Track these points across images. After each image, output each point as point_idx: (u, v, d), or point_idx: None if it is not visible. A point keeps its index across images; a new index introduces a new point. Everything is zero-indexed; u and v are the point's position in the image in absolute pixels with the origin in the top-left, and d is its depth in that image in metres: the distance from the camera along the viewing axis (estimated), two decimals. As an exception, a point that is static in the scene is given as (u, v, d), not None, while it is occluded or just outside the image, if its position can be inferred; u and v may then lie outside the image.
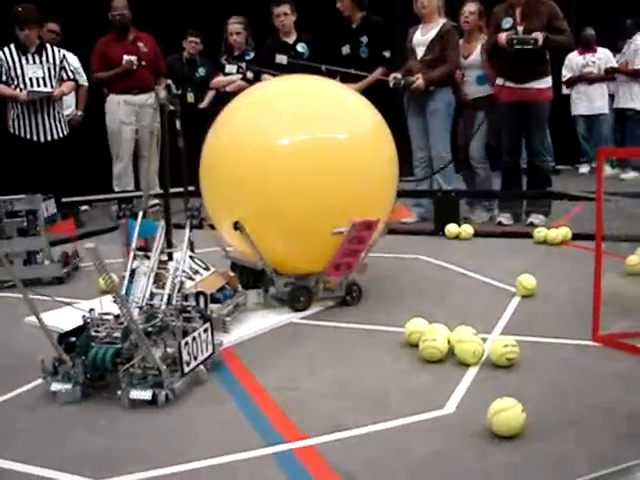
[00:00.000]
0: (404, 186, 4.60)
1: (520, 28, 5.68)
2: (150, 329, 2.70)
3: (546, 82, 5.87)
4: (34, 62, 6.27)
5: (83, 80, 7.41)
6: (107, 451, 2.29)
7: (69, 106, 7.30)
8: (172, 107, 3.57)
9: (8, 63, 6.18)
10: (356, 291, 3.85)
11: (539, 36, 5.53)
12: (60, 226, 4.82)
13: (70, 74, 6.54)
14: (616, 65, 9.69)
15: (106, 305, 2.78)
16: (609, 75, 9.72)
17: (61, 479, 2.13)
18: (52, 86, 6.33)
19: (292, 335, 3.42)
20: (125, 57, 6.93)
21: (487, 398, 2.36)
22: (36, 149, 6.29)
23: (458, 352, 2.91)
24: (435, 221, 5.88)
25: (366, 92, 4.79)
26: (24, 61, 6.23)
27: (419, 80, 5.99)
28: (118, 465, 2.18)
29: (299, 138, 3.56)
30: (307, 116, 3.63)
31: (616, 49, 9.91)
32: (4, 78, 6.18)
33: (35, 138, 6.32)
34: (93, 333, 2.71)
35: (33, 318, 2.71)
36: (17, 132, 6.31)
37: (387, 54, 6.44)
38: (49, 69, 6.31)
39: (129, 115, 7.07)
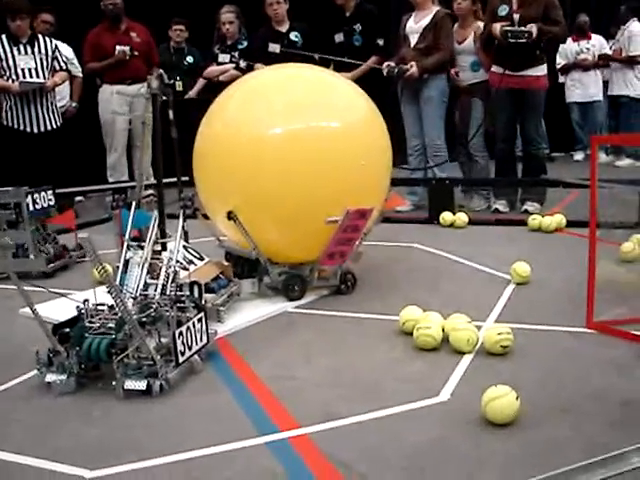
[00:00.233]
0: (398, 174, 4.60)
1: (516, 16, 5.66)
2: (144, 319, 2.69)
3: (542, 70, 5.86)
4: (26, 53, 6.23)
5: (77, 71, 7.38)
6: (102, 441, 2.29)
7: (63, 97, 7.26)
8: (165, 97, 3.56)
9: (0, 54, 6.15)
10: (350, 280, 3.85)
11: (533, 29, 5.51)
12: (60, 217, 4.77)
13: (62, 64, 6.50)
14: (610, 52, 9.67)
15: (100, 296, 2.78)
16: (603, 62, 9.70)
17: (56, 469, 2.13)
18: (44, 77, 6.29)
19: (286, 324, 3.42)
20: (118, 47, 6.90)
21: (482, 386, 2.36)
22: (29, 140, 6.26)
23: (452, 340, 2.91)
24: (430, 209, 5.89)
25: (360, 81, 4.78)
26: (16, 52, 6.19)
27: (413, 68, 5.97)
28: (113, 455, 2.18)
29: (292, 127, 3.54)
30: (300, 105, 3.62)
31: (609, 35, 9.89)
32: (-4, 69, 6.15)
33: (28, 129, 6.29)
34: (87, 324, 2.71)
35: (27, 309, 2.71)
36: (10, 123, 6.28)
37: (381, 42, 6.43)
38: (41, 60, 6.28)
39: (122, 105, 7.05)
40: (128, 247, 2.99)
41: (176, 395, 2.62)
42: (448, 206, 5.77)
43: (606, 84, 9.85)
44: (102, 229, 5.51)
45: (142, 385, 2.57)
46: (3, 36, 6.19)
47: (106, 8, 6.93)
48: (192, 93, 7.74)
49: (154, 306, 2.76)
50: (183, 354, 2.70)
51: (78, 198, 7.28)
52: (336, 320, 3.44)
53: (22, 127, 6.28)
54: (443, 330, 2.98)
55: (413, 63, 5.98)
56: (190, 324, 2.75)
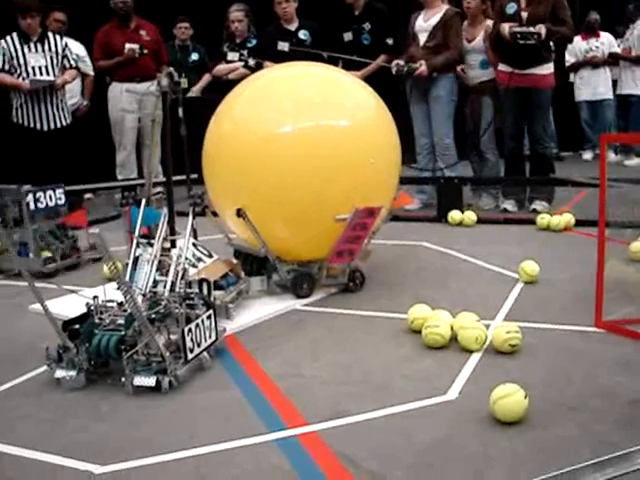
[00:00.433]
0: (407, 172, 4.60)
1: (524, 14, 5.64)
2: (154, 316, 2.70)
3: (548, 68, 5.83)
4: (36, 51, 6.24)
5: (89, 69, 7.39)
6: (111, 437, 2.30)
7: (74, 95, 7.28)
8: (174, 95, 3.57)
9: (10, 52, 6.16)
10: (359, 278, 3.86)
11: (542, 30, 5.48)
12: (73, 216, 4.73)
13: (72, 62, 6.51)
14: (619, 51, 9.62)
15: (110, 292, 2.79)
16: (612, 60, 9.65)
17: (65, 465, 2.14)
18: (55, 75, 6.30)
19: (295, 322, 3.42)
20: (127, 45, 6.91)
21: (490, 384, 2.37)
22: (39, 138, 6.28)
23: (461, 338, 2.91)
24: (438, 208, 5.88)
25: (369, 79, 4.79)
26: (26, 50, 6.20)
27: (422, 67, 5.96)
28: (122, 451, 2.20)
29: (302, 125, 3.55)
30: (310, 103, 3.62)
31: (616, 34, 9.83)
32: (7, 67, 6.17)
33: (38, 127, 6.31)
34: (97, 320, 2.73)
35: (38, 306, 2.72)
36: (20, 121, 6.30)
37: (390, 41, 6.43)
38: (51, 58, 6.29)
39: (132, 103, 7.06)
40: (138, 244, 3.00)
41: (185, 392, 2.63)
42: (456, 205, 5.76)
43: (615, 83, 9.80)
44: (111, 226, 5.52)
45: (151, 381, 2.58)
46: (14, 34, 6.20)
47: (116, 6, 6.93)
48: (195, 90, 7.72)
49: (163, 303, 2.78)
50: (192, 351, 2.71)
51: (87, 195, 7.30)
52: (345, 318, 3.44)
53: (32, 125, 6.29)
54: (452, 328, 2.98)
55: (422, 62, 5.97)
56: (199, 321, 2.76)
